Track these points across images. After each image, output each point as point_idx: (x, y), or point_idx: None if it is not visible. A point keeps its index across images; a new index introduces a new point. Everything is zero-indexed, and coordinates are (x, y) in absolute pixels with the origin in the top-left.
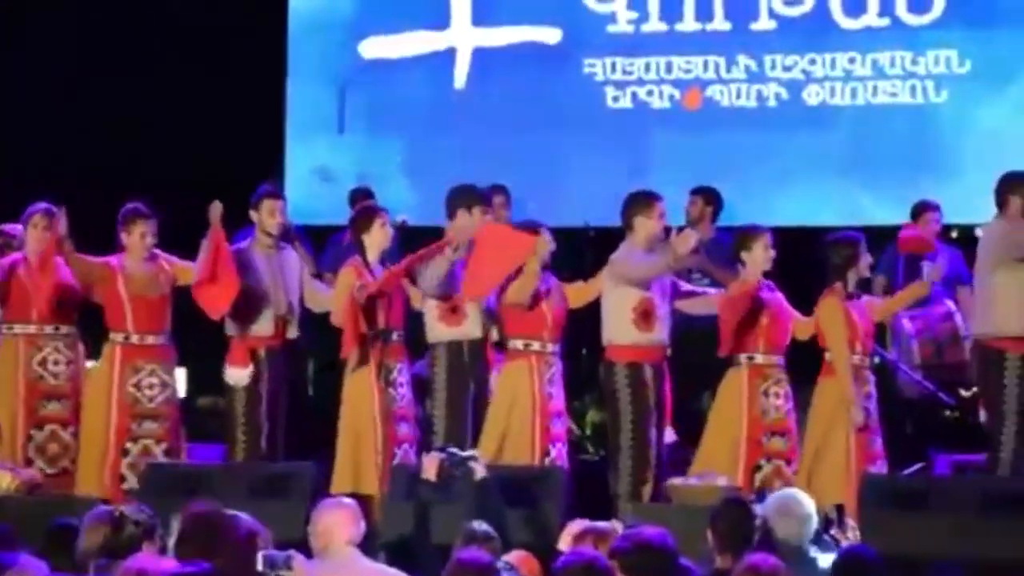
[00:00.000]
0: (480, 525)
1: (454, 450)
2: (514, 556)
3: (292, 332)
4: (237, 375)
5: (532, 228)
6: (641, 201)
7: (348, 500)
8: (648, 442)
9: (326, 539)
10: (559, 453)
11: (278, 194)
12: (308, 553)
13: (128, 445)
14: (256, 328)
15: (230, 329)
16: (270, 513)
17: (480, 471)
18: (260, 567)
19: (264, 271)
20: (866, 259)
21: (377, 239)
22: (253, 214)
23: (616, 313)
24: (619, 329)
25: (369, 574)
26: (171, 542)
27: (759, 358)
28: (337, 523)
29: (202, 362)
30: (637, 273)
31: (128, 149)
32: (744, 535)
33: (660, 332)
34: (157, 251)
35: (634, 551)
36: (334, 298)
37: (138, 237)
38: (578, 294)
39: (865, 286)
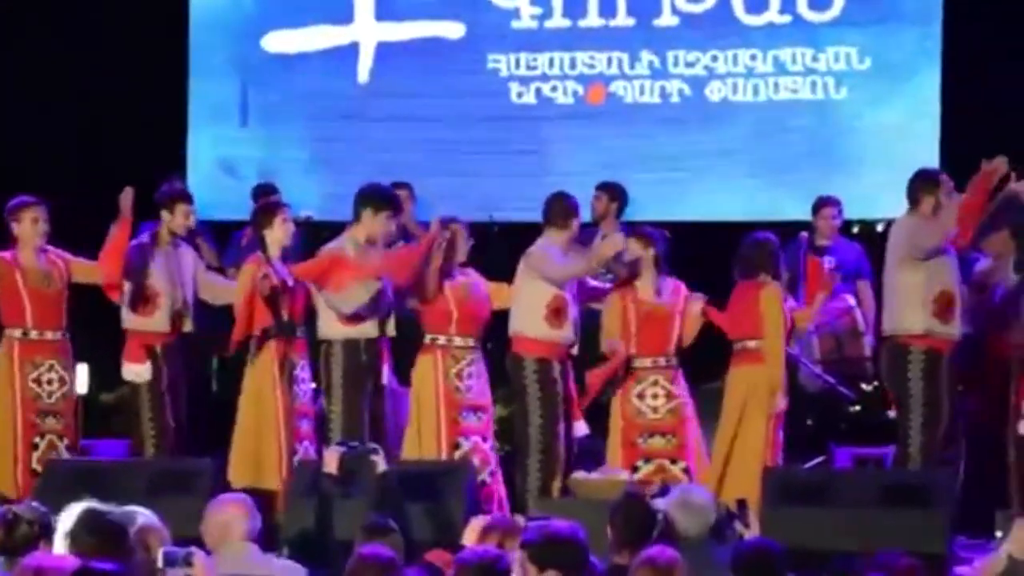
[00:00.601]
0: (380, 518)
1: (355, 443)
2: (434, 556)
3: (187, 326)
4: (135, 371)
5: (448, 223)
6: (565, 205)
7: (241, 495)
8: (557, 438)
9: (222, 535)
10: (475, 446)
11: (191, 197)
12: (207, 549)
13: (36, 440)
14: (153, 324)
15: (126, 322)
16: (171, 509)
17: (381, 464)
18: (160, 563)
19: (162, 267)
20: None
21: (278, 235)
22: (164, 213)
23: (529, 306)
24: (530, 322)
25: (267, 568)
26: (56, 538)
27: (634, 361)
28: (233, 518)
29: (104, 358)
30: (557, 273)
31: (30, 143)
32: (642, 530)
33: (569, 330)
34: (49, 247)
35: (544, 543)
36: (236, 293)
37: (29, 223)
38: (500, 295)
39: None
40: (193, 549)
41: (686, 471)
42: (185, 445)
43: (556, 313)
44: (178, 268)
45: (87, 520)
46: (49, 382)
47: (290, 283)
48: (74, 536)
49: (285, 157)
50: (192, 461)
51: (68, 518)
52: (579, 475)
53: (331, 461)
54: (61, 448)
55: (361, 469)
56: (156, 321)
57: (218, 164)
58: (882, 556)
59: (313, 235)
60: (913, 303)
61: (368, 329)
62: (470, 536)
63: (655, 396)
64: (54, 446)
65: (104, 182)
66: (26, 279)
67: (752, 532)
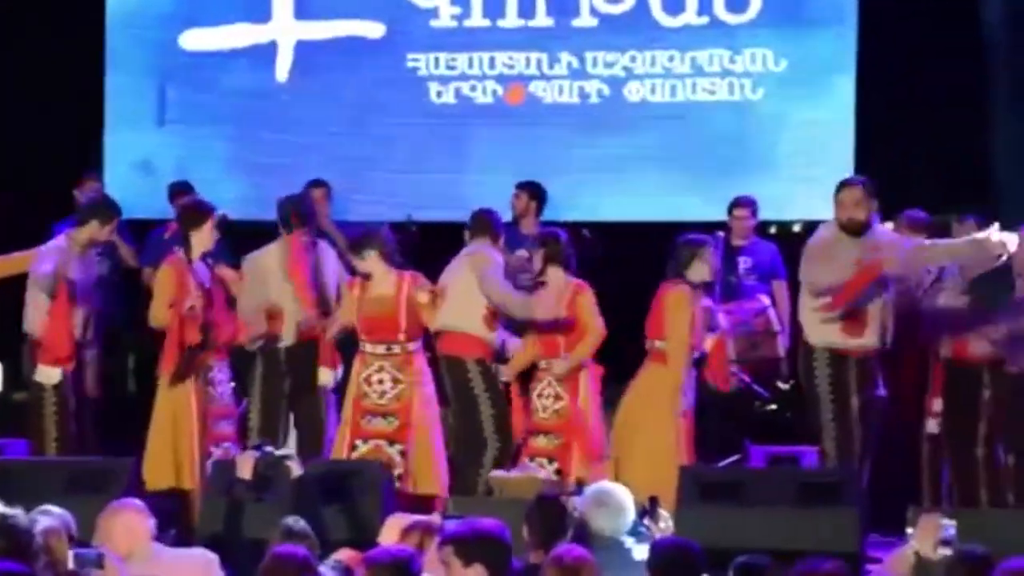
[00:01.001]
0: (296, 522)
1: (270, 449)
2: (343, 555)
3: (90, 333)
4: (49, 373)
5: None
6: (496, 221)
7: (131, 499)
8: (511, 430)
9: (130, 540)
10: (377, 448)
11: (120, 210)
12: None
13: None
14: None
15: (29, 327)
16: (86, 509)
17: (296, 469)
18: (71, 565)
19: (81, 274)
20: (711, 261)
21: (205, 238)
22: (95, 223)
23: (472, 301)
24: (470, 318)
25: (179, 560)
26: None
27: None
28: (137, 522)
29: (16, 358)
30: (497, 296)
31: None
32: (556, 530)
33: (497, 334)
34: None
35: (471, 537)
36: (155, 298)
37: None
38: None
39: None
40: (104, 551)
41: (403, 454)
42: (87, 450)
43: (493, 315)
44: (94, 275)
45: None
46: None
47: (207, 285)
48: None
49: (202, 156)
50: (108, 461)
51: None
52: (498, 473)
53: (244, 466)
54: None
55: (276, 474)
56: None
57: (135, 163)
58: (803, 564)
59: (229, 234)
60: (816, 320)
61: (286, 337)
62: (389, 535)
63: (547, 396)
64: None
65: (22, 182)
66: None
67: (664, 531)
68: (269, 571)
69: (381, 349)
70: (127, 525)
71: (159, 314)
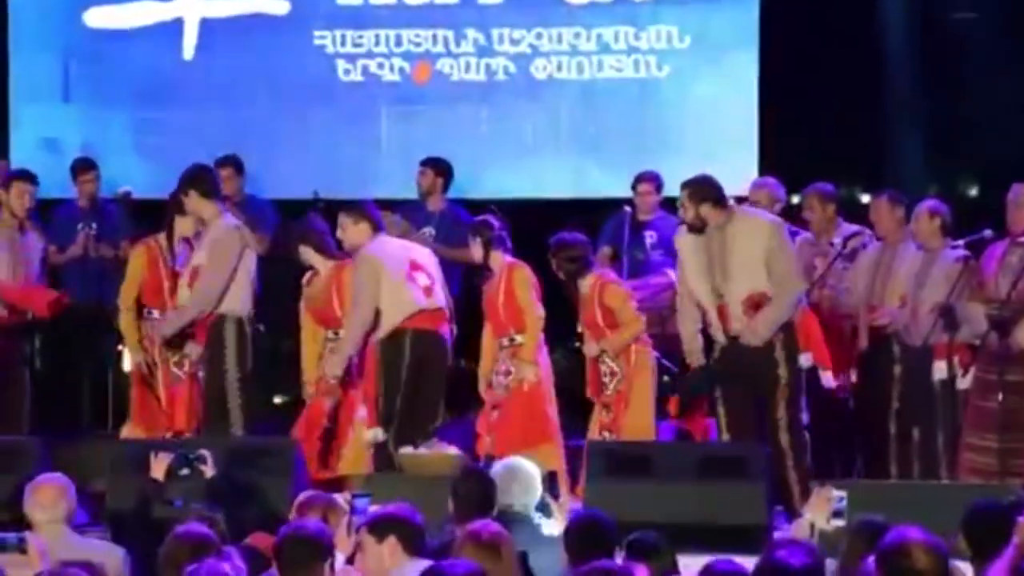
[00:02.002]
0: (204, 507)
1: (183, 451)
2: (255, 539)
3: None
4: None
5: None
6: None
7: (60, 475)
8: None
9: (47, 515)
10: None
11: (32, 177)
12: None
13: None
14: None
15: None
16: None
17: (209, 471)
18: None
19: (5, 250)
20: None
21: (187, 228)
22: (1, 194)
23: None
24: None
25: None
26: None
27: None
28: (59, 498)
29: None
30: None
31: None
32: (484, 504)
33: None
34: None
35: (382, 516)
36: (130, 275)
37: None
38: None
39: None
40: (27, 535)
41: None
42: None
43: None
44: (24, 253)
45: None
46: None
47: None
48: None
49: (109, 134)
50: (17, 440)
51: None
52: (407, 450)
53: (158, 468)
54: None
55: (190, 476)
56: None
57: (40, 141)
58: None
59: (134, 212)
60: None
61: None
62: (294, 512)
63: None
64: None
65: None
66: None
67: (563, 505)
68: (170, 550)
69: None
70: (47, 500)
71: (127, 296)
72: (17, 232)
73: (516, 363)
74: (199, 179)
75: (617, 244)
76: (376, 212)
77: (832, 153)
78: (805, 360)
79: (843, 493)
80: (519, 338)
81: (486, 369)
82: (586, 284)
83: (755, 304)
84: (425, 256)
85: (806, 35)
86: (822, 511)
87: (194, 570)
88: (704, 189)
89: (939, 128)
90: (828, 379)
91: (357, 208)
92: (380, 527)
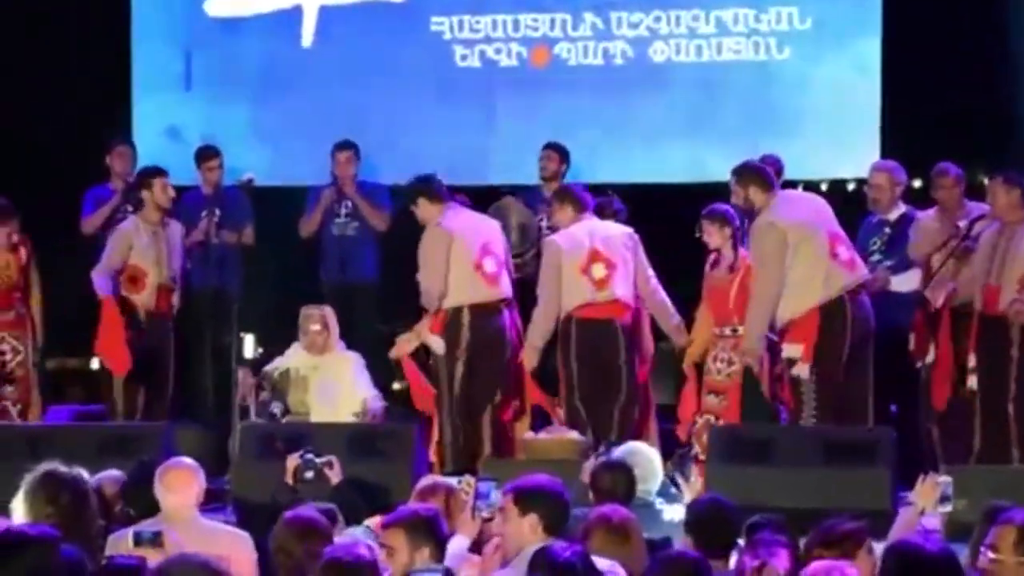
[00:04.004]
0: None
1: (310, 456)
2: (373, 521)
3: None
4: None
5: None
6: None
7: (189, 460)
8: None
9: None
10: None
11: (166, 171)
12: None
13: None
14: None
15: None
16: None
17: (335, 477)
18: (130, 544)
19: (151, 247)
20: None
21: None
22: (144, 193)
23: None
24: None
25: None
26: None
27: None
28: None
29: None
30: None
31: None
32: (624, 494)
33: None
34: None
35: (530, 489)
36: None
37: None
38: None
39: None
40: (163, 529)
41: None
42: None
43: None
44: (167, 245)
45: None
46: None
47: None
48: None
49: (229, 121)
50: (141, 427)
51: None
52: (528, 435)
53: (288, 469)
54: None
55: (313, 479)
56: (143, 298)
57: (163, 130)
58: (824, 523)
59: (256, 198)
60: None
61: None
62: (415, 497)
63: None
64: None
65: (52, 150)
66: None
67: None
68: (280, 534)
69: None
70: (183, 485)
71: None
72: (160, 226)
73: (738, 354)
74: (428, 187)
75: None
76: (585, 196)
77: (955, 136)
78: (794, 351)
79: (950, 479)
80: (741, 330)
81: (695, 352)
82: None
83: None
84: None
85: (929, 15)
86: (930, 497)
87: (332, 550)
88: (751, 173)
89: None
90: (804, 370)
91: (563, 192)
92: (525, 500)
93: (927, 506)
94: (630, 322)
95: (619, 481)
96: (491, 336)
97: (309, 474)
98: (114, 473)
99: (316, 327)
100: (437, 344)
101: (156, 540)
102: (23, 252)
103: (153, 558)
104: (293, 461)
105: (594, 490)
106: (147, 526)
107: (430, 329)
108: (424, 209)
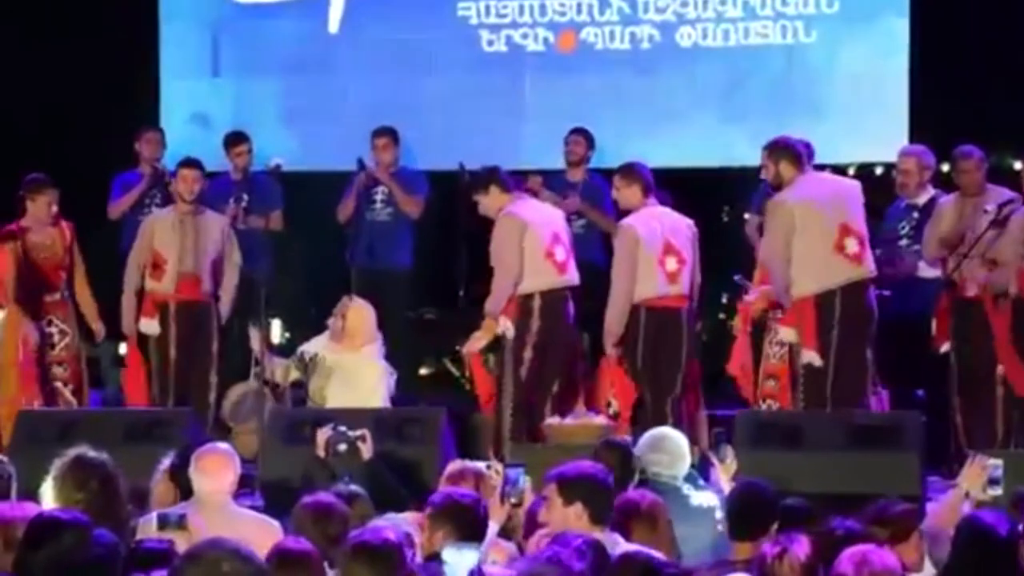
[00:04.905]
0: (349, 486)
1: (343, 428)
2: (410, 516)
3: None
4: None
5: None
6: None
7: (226, 446)
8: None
9: (219, 484)
10: None
11: (197, 162)
12: None
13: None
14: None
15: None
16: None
17: (367, 452)
18: (154, 526)
19: (176, 239)
20: None
21: None
22: (172, 183)
23: None
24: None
25: (246, 522)
26: (44, 487)
27: None
28: (230, 470)
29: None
30: None
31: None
32: (624, 476)
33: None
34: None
35: (575, 477)
36: None
37: (44, 205)
38: None
39: None
40: (187, 512)
41: None
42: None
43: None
44: (196, 236)
45: (71, 467)
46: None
47: None
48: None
49: (257, 107)
50: (168, 411)
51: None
52: (553, 420)
53: (319, 443)
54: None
55: (345, 453)
56: (163, 285)
57: (191, 116)
58: (875, 506)
59: (284, 184)
60: None
61: None
62: (445, 482)
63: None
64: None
65: (78, 137)
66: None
67: (729, 467)
68: (297, 519)
69: None
70: (218, 470)
71: None
72: (190, 216)
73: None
74: (496, 176)
75: (764, 213)
76: (651, 176)
77: (983, 120)
78: (788, 335)
79: (999, 461)
80: None
81: (757, 309)
82: None
83: None
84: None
85: None
86: (977, 480)
87: (359, 533)
88: (783, 148)
89: None
90: (813, 357)
91: (631, 170)
92: (569, 488)
93: (973, 489)
94: (690, 313)
95: (615, 460)
96: (559, 323)
97: (342, 447)
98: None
99: (338, 319)
100: (508, 328)
101: (181, 523)
102: (67, 230)
103: (178, 540)
104: (324, 434)
105: None
106: (174, 509)
107: (502, 314)
108: (494, 197)
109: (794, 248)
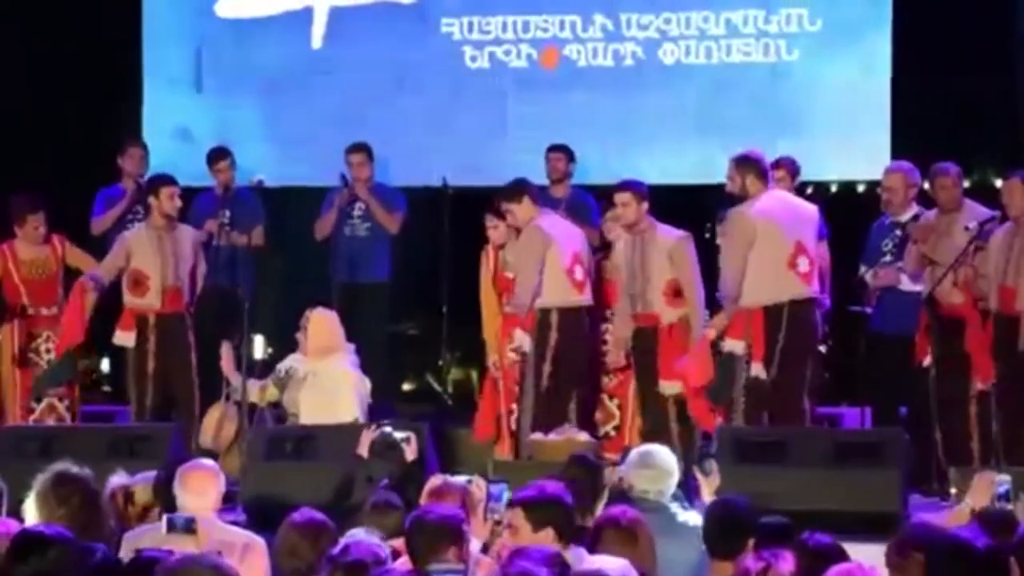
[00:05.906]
0: (386, 495)
1: (388, 430)
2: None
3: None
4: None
5: None
6: None
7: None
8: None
9: (204, 501)
10: None
11: (175, 179)
12: None
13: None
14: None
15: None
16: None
17: (411, 454)
18: (164, 530)
19: (156, 255)
20: None
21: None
22: (152, 200)
23: None
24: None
25: (232, 540)
26: (27, 503)
27: None
28: (213, 485)
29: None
30: None
31: None
32: (590, 493)
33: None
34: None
35: (543, 501)
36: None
37: (31, 230)
38: None
39: None
40: (195, 516)
41: None
42: None
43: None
44: (174, 250)
45: (53, 482)
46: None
47: None
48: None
49: (240, 122)
50: (150, 427)
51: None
52: (537, 436)
53: (364, 443)
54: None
55: (389, 454)
56: (147, 300)
57: (174, 130)
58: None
59: (266, 199)
60: None
61: None
62: (427, 497)
63: None
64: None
65: (61, 150)
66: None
67: (711, 482)
68: (284, 536)
69: None
70: (202, 486)
71: None
72: (166, 232)
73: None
74: (530, 188)
75: None
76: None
77: (966, 136)
78: (735, 346)
79: (1007, 477)
80: None
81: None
82: None
83: None
84: None
85: (939, 17)
86: (985, 496)
87: (344, 549)
88: (751, 162)
89: None
90: (760, 370)
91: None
92: (538, 514)
93: (979, 505)
94: None
95: (584, 476)
96: (577, 340)
97: (386, 447)
98: (148, 475)
99: (303, 332)
100: (524, 341)
101: (190, 527)
102: (59, 245)
103: (187, 546)
104: (369, 435)
105: (568, 488)
106: (181, 514)
107: (519, 328)
108: (526, 208)
109: (749, 260)
